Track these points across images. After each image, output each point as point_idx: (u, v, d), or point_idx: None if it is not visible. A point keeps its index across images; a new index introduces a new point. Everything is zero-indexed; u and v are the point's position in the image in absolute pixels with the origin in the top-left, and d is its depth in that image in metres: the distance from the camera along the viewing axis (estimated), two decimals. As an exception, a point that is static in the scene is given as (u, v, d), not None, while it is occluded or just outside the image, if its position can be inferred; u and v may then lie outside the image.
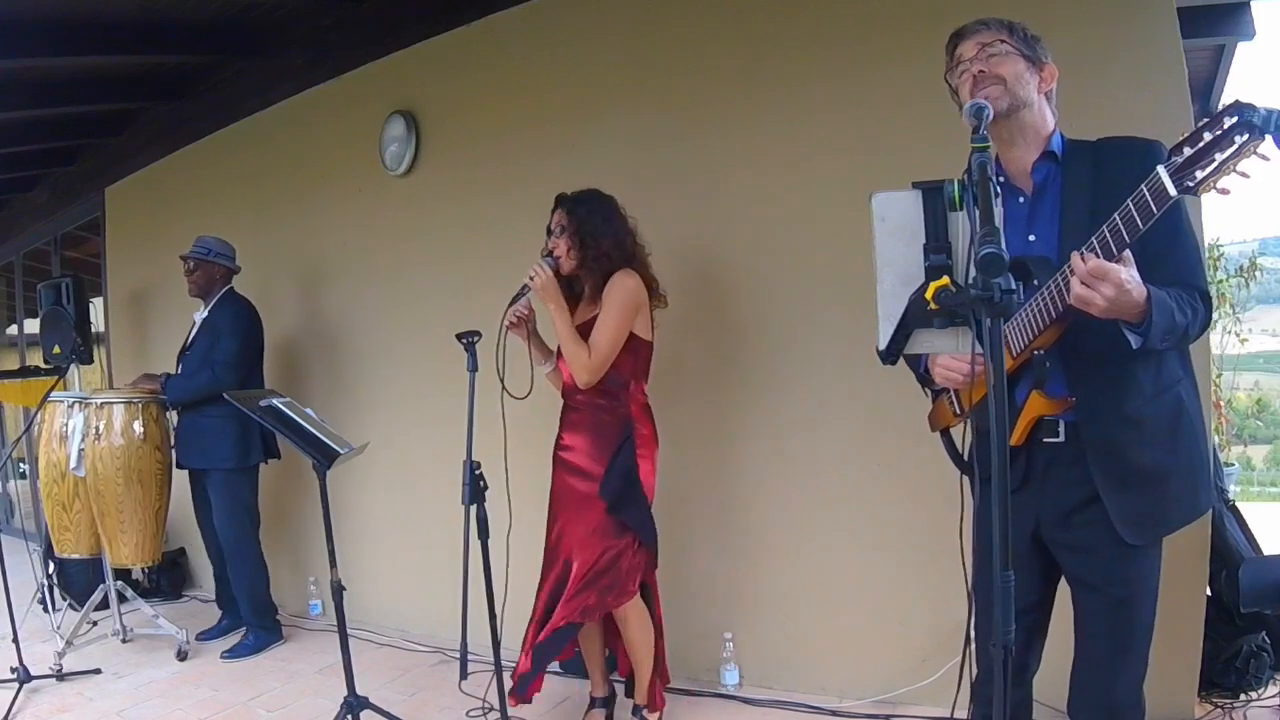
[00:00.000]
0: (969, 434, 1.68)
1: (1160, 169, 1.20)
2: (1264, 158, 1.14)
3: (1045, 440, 1.46)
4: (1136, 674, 1.48)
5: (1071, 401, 1.41)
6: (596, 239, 2.32)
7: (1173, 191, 1.18)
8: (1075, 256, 1.27)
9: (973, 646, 1.42)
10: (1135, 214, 1.23)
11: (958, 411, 1.65)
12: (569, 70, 3.12)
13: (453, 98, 3.44)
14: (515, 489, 2.35)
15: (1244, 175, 1.16)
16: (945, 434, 1.77)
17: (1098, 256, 1.26)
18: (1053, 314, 1.37)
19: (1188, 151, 1.17)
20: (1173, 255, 1.37)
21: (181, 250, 3.58)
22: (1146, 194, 1.21)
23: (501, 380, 2.25)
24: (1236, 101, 1.14)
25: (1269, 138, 1.12)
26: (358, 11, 3.65)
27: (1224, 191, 1.18)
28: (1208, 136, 1.15)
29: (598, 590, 2.29)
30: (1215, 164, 1.15)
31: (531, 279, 2.29)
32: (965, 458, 1.70)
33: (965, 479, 1.68)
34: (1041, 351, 1.39)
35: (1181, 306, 1.35)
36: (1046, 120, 1.50)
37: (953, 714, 1.75)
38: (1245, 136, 1.12)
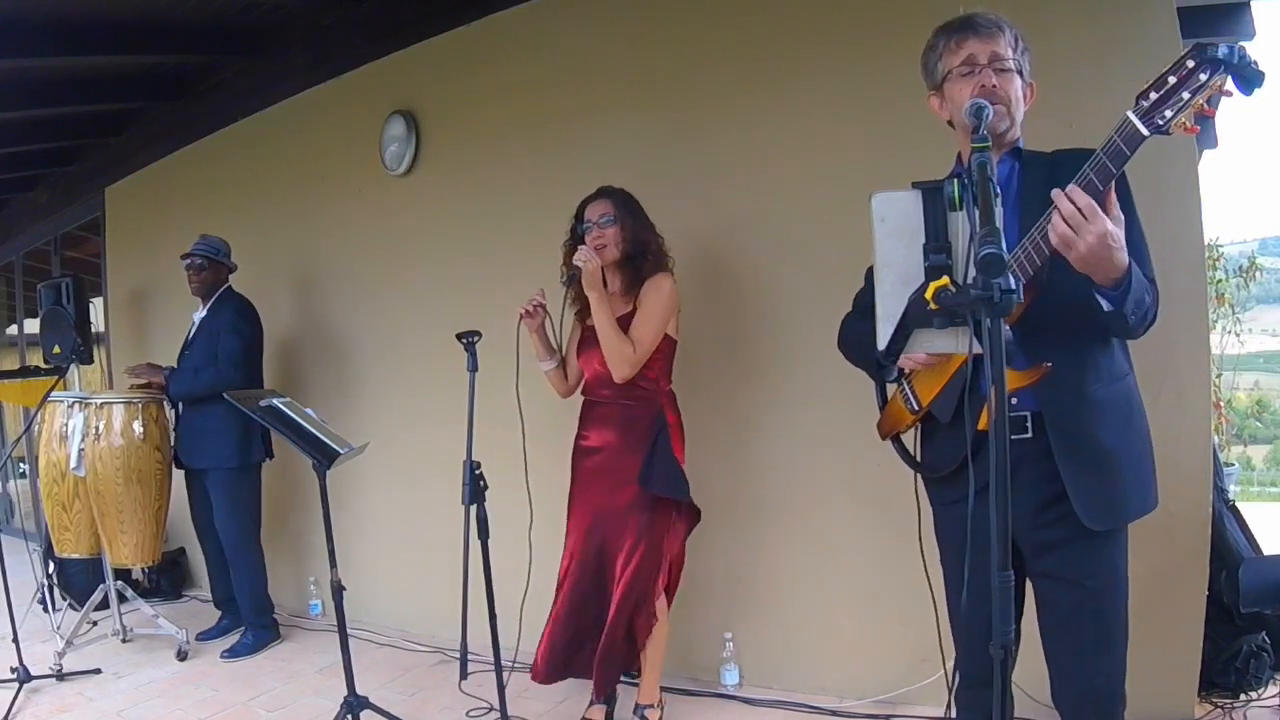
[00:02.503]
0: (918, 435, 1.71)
1: (1129, 113, 1.24)
2: (1227, 93, 1.21)
3: (1013, 437, 1.45)
4: (1116, 665, 1.50)
5: (1046, 366, 1.41)
6: (649, 234, 2.36)
7: (1145, 131, 1.23)
8: (1058, 194, 1.28)
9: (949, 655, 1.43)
10: (1107, 161, 1.26)
11: (915, 409, 1.65)
12: (569, 70, 3.12)
13: (453, 98, 3.44)
14: (535, 484, 2.35)
15: (1209, 112, 1.22)
16: (896, 439, 1.77)
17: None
18: (1024, 277, 1.38)
19: (1154, 95, 1.23)
20: (1131, 244, 1.38)
21: (181, 249, 3.59)
22: (1118, 140, 1.25)
23: (517, 370, 2.24)
24: (1197, 44, 1.21)
25: (1229, 75, 1.19)
26: (358, 11, 3.65)
27: (1192, 130, 1.24)
28: (1172, 79, 1.22)
29: (638, 601, 2.31)
30: (1183, 102, 1.21)
31: (585, 263, 2.26)
32: (919, 458, 1.72)
33: (919, 482, 1.71)
34: (1008, 327, 1.40)
35: (1147, 288, 1.39)
36: (1016, 133, 1.55)
37: (947, 713, 1.76)
38: (1208, 73, 1.19)
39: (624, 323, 2.33)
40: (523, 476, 2.45)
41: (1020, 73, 1.50)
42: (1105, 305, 1.36)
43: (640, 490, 2.31)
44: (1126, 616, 1.51)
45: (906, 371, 1.61)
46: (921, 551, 1.70)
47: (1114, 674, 1.50)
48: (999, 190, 1.12)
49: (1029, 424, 1.47)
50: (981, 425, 1.43)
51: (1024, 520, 1.49)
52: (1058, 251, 1.31)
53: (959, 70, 1.51)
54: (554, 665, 2.38)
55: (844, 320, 1.82)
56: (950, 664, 1.73)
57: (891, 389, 1.75)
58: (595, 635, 2.34)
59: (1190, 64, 1.20)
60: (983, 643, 1.41)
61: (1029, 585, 1.58)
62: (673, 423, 2.39)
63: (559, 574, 2.44)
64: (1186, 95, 1.20)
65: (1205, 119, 1.26)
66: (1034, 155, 1.55)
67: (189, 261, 3.54)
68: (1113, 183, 1.28)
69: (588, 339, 2.39)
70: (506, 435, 2.48)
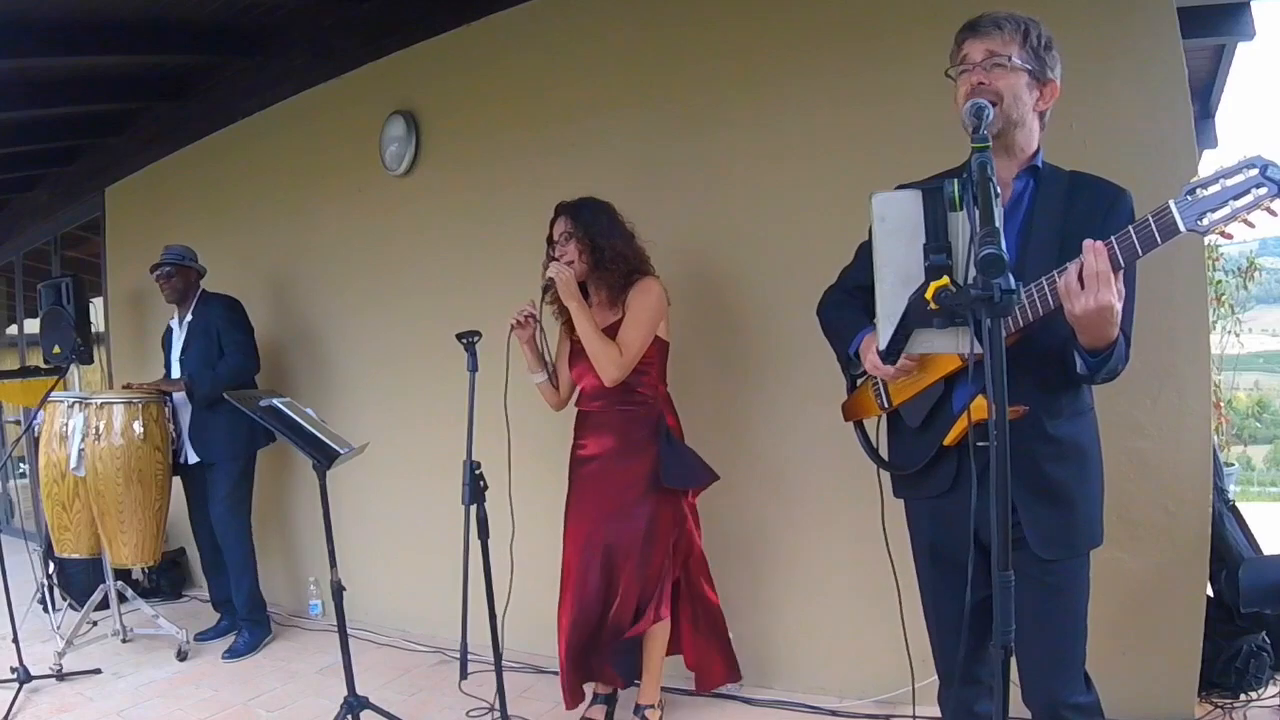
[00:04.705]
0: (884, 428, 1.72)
1: (1171, 204, 1.22)
2: (1273, 213, 1.19)
3: (980, 444, 1.45)
4: (1080, 655, 1.52)
5: (1023, 410, 1.41)
6: (610, 240, 2.34)
7: (1183, 228, 1.21)
8: (1088, 245, 1.26)
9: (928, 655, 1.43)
10: (1136, 242, 1.25)
11: (885, 405, 1.65)
12: (569, 70, 3.12)
13: (453, 98, 3.44)
14: (518, 494, 2.35)
15: (1250, 225, 1.21)
16: (859, 426, 1.78)
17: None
18: (1020, 323, 1.38)
19: (1201, 194, 1.20)
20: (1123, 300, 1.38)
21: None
22: (1153, 225, 1.24)
23: (506, 380, 2.25)
24: (1259, 156, 1.18)
25: None
26: (358, 11, 3.65)
27: (1228, 236, 1.22)
28: (1224, 183, 1.19)
29: (655, 602, 2.32)
30: (1228, 210, 1.19)
31: (558, 273, 2.28)
32: (885, 454, 1.73)
33: (881, 474, 1.73)
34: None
35: (1123, 356, 1.40)
36: (1033, 140, 1.51)
37: (913, 714, 1.76)
38: (1263, 190, 1.17)
39: (611, 332, 2.33)
40: (526, 481, 2.44)
41: (1031, 71, 1.46)
42: (1080, 367, 1.37)
43: (643, 493, 2.31)
44: (1086, 618, 1.52)
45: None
46: (886, 544, 1.70)
47: (1079, 671, 1.52)
48: (998, 191, 1.11)
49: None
50: (949, 440, 1.46)
51: (990, 522, 1.49)
52: (1061, 307, 1.30)
53: (957, 70, 1.51)
54: (575, 685, 2.41)
55: (827, 293, 1.81)
56: (917, 660, 1.74)
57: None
58: (606, 641, 2.35)
59: (1248, 173, 1.18)
60: (960, 641, 1.42)
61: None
62: (672, 425, 2.41)
63: (560, 590, 2.44)
64: (1235, 204, 1.19)
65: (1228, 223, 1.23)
66: (1052, 172, 1.52)
67: (159, 272, 3.58)
68: (1131, 261, 1.27)
69: (578, 351, 2.39)
70: (517, 442, 2.47)
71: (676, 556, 2.40)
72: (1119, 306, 1.27)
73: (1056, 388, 1.47)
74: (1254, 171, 1.17)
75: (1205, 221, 1.20)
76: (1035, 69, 1.47)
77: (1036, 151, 1.52)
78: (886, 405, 1.64)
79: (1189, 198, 1.21)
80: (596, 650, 2.37)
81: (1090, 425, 1.54)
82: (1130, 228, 1.26)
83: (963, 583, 1.25)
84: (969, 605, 1.28)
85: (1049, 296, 1.34)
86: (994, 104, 1.43)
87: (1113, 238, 1.26)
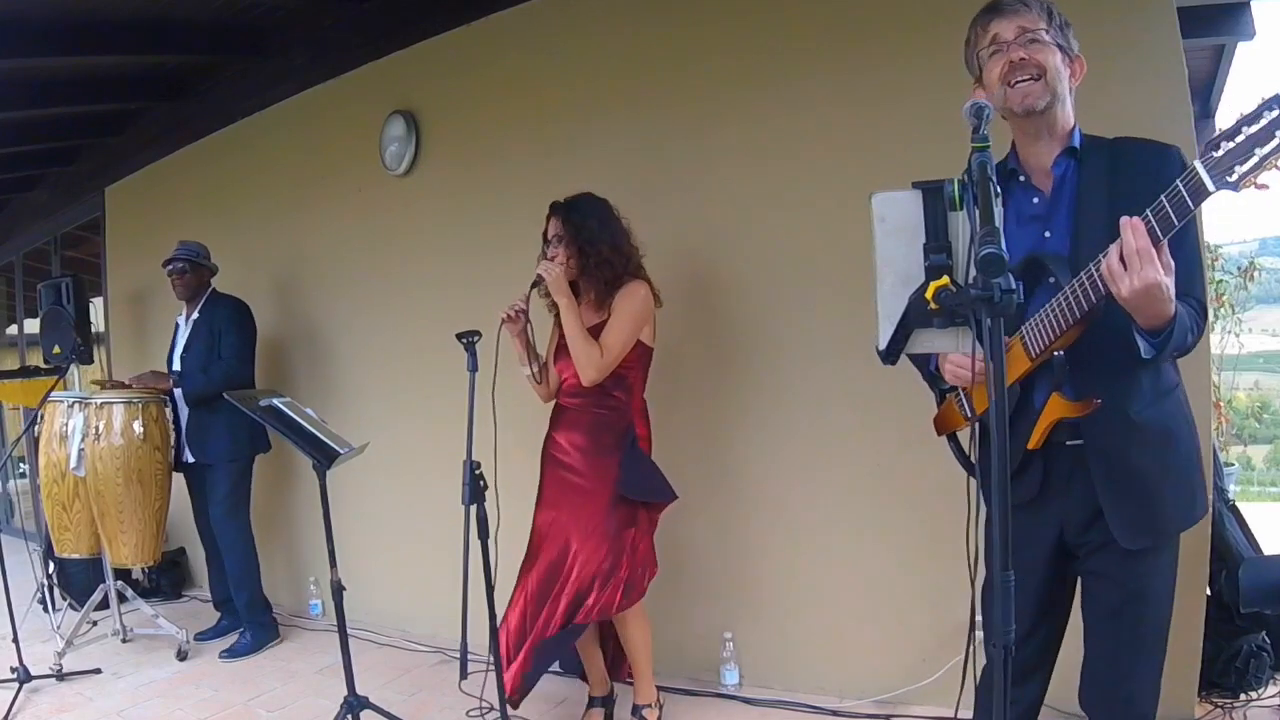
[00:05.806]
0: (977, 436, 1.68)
1: (1197, 164, 1.17)
2: None
3: (1068, 443, 1.43)
4: (1153, 671, 1.48)
5: (1096, 403, 1.36)
6: (596, 245, 2.34)
7: (1211, 187, 1.16)
8: (1124, 222, 1.22)
9: (975, 649, 1.43)
10: (1171, 211, 1.20)
11: (968, 415, 1.62)
12: (569, 70, 3.12)
13: (453, 98, 3.44)
14: (509, 488, 2.35)
15: None
16: (952, 438, 1.75)
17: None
18: (1077, 314, 1.33)
19: (1225, 146, 1.14)
20: (1181, 264, 1.30)
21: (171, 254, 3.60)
22: (1183, 190, 1.19)
23: (495, 373, 2.25)
24: (1277, 94, 1.12)
25: None
26: (358, 11, 3.65)
27: (1263, 187, 1.15)
28: (1247, 131, 1.13)
29: (610, 588, 2.29)
30: (1255, 159, 1.12)
31: (547, 271, 2.30)
32: (974, 460, 1.70)
33: (973, 482, 1.69)
34: (1061, 353, 1.37)
35: (1191, 326, 1.34)
36: (1070, 117, 1.48)
37: (956, 713, 1.75)
38: None
39: (596, 332, 2.33)
40: (515, 475, 2.44)
41: (1061, 48, 1.44)
42: (1144, 350, 1.31)
43: (607, 498, 2.31)
44: (1166, 633, 1.48)
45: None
46: (968, 550, 1.69)
47: (1148, 682, 1.47)
48: (999, 191, 1.11)
49: (1080, 431, 1.42)
50: (1032, 444, 1.42)
51: (1078, 527, 1.47)
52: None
53: (987, 51, 1.47)
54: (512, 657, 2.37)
55: None
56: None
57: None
58: (543, 624, 2.33)
59: (1267, 117, 1.12)
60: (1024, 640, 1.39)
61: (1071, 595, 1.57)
62: (642, 435, 2.40)
63: (520, 572, 2.43)
64: (1260, 152, 1.12)
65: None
66: (1093, 144, 1.47)
67: (172, 267, 3.57)
68: (1170, 234, 1.22)
69: (564, 345, 2.39)
70: (505, 436, 2.47)
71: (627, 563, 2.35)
72: (1167, 282, 1.22)
73: (1136, 371, 1.41)
74: (1274, 113, 1.11)
75: (1234, 176, 1.14)
76: (1064, 44, 1.45)
77: (1072, 129, 1.48)
78: (970, 414, 1.61)
79: (1213, 154, 1.15)
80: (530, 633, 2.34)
81: (1177, 402, 1.48)
82: (1163, 196, 1.20)
83: (1033, 585, 1.26)
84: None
85: (1098, 282, 1.28)
86: (1037, 78, 1.41)
87: (1148, 210, 1.22)
